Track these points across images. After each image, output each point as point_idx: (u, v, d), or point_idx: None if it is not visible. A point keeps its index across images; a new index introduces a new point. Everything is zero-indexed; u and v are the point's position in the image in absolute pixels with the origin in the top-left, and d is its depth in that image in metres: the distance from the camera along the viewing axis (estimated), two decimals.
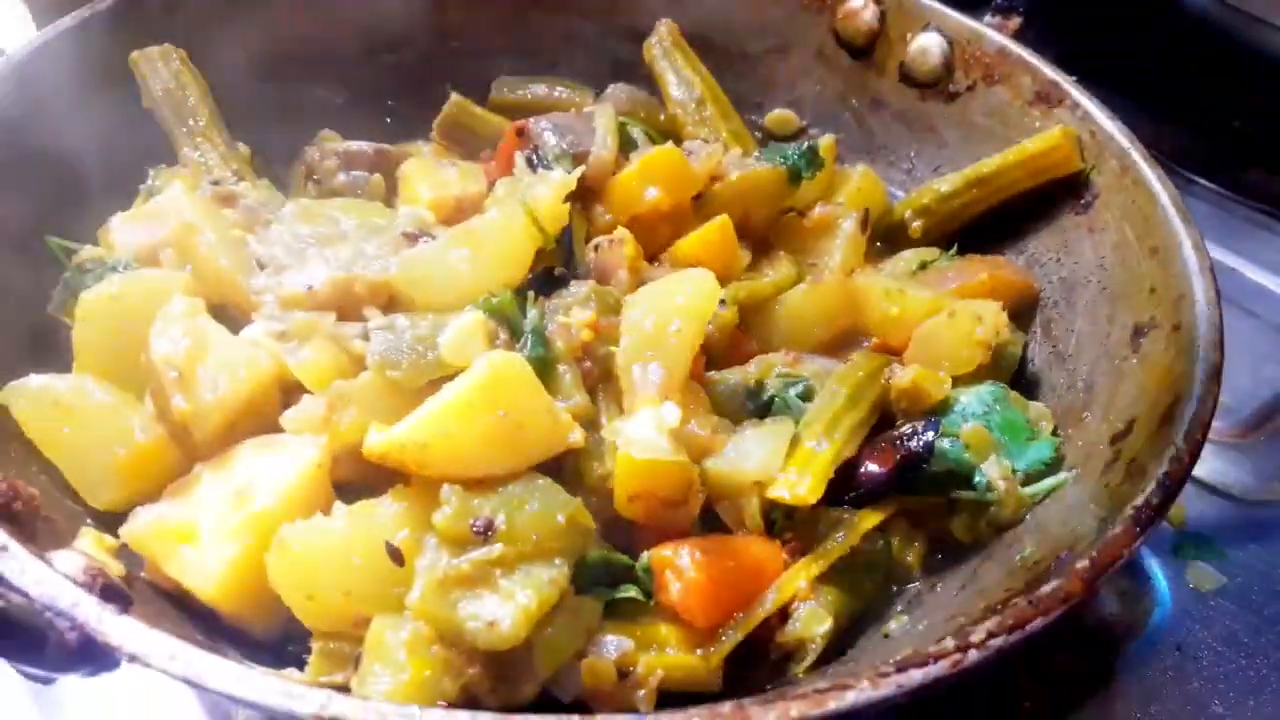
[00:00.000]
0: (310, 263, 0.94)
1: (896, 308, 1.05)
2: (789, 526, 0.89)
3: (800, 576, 0.85)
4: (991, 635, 0.67)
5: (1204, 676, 1.05)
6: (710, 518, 0.90)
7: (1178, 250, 0.96)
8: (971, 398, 0.98)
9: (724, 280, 0.99)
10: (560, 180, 0.98)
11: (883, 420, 0.97)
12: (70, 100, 1.07)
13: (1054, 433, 1.00)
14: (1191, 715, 1.02)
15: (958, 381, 1.00)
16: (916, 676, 0.65)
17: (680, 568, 0.81)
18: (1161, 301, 0.96)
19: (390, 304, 0.94)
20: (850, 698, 0.63)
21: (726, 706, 0.63)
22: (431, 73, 1.32)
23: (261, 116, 1.22)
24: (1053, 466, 0.95)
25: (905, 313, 1.04)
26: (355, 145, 1.17)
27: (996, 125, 1.20)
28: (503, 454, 0.81)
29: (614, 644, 0.80)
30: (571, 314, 0.93)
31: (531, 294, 0.94)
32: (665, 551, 0.83)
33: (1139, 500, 0.76)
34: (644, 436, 0.82)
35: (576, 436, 0.84)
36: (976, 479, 0.91)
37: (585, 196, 1.07)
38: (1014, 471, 0.93)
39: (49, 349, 0.96)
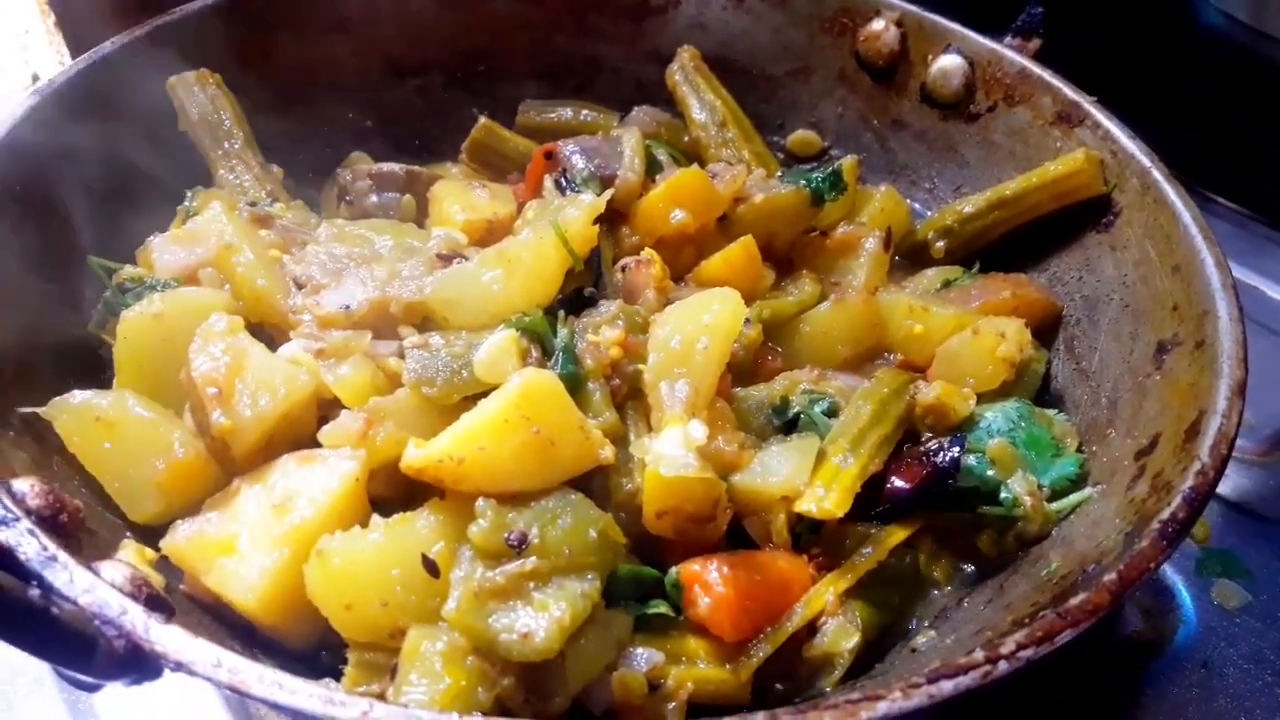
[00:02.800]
0: (347, 283, 0.96)
1: (920, 325, 1.07)
2: (815, 542, 0.91)
3: (827, 591, 0.86)
4: (1021, 647, 0.68)
5: (1230, 694, 1.05)
6: (737, 533, 0.91)
7: (1200, 268, 0.97)
8: (997, 414, 1.00)
9: (748, 299, 1.00)
10: (590, 203, 1.00)
11: (908, 437, 0.98)
12: (109, 125, 1.10)
13: (1079, 449, 1.01)
14: None
15: (982, 398, 1.01)
16: (947, 687, 0.66)
17: (709, 583, 0.82)
18: (1184, 319, 0.97)
19: (425, 323, 0.96)
20: (882, 708, 0.64)
21: (760, 716, 0.64)
22: (459, 96, 1.36)
23: (293, 140, 1.25)
24: (1078, 482, 0.96)
25: (929, 330, 1.06)
26: (387, 167, 1.19)
27: (1018, 145, 1.22)
28: (536, 469, 0.83)
29: (644, 657, 0.81)
30: (600, 333, 0.94)
31: (562, 313, 0.96)
32: (694, 566, 0.84)
33: (1165, 514, 0.77)
34: (671, 453, 0.84)
35: (607, 453, 0.86)
36: (1002, 495, 0.92)
37: (613, 218, 1.09)
38: (1040, 488, 0.94)
39: (90, 366, 0.99)
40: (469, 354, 0.89)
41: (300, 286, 0.98)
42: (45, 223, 1.03)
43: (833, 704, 0.64)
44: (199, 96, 1.18)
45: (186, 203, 1.13)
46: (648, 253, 1.05)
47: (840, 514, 0.85)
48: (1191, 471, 0.79)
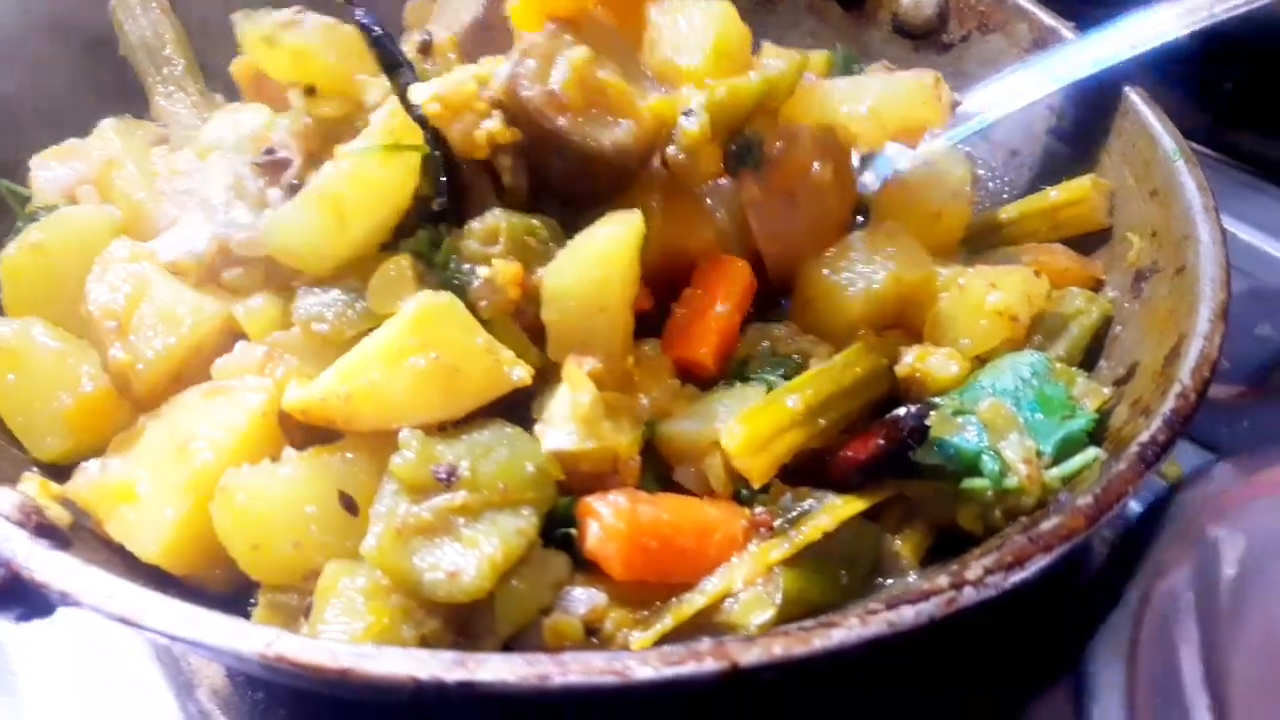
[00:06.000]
0: (187, 221, 0.88)
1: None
2: (761, 501, 0.81)
3: (756, 563, 0.76)
4: (989, 572, 0.63)
5: None
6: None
7: (1180, 192, 0.92)
8: (1006, 371, 0.87)
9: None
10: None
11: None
12: (44, 47, 1.04)
13: (1100, 409, 0.86)
14: None
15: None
16: (908, 615, 0.60)
17: (600, 514, 0.74)
18: (1164, 245, 0.92)
19: None
20: (837, 636, 0.59)
21: (706, 644, 0.58)
22: None
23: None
24: (1083, 444, 0.82)
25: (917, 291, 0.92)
26: None
27: (991, 75, 1.16)
28: (439, 400, 0.76)
29: (584, 599, 0.74)
30: (493, 265, 0.83)
31: (443, 227, 0.86)
32: (593, 498, 0.76)
33: (1144, 437, 0.71)
34: (552, 432, 0.77)
35: (520, 374, 0.78)
36: (988, 464, 0.79)
37: None
38: (1039, 454, 0.80)
39: None
40: (363, 285, 0.81)
41: None
42: None
43: (784, 631, 0.59)
44: (141, 20, 1.11)
45: None
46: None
47: (759, 483, 0.78)
48: (1171, 394, 0.74)
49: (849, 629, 0.59)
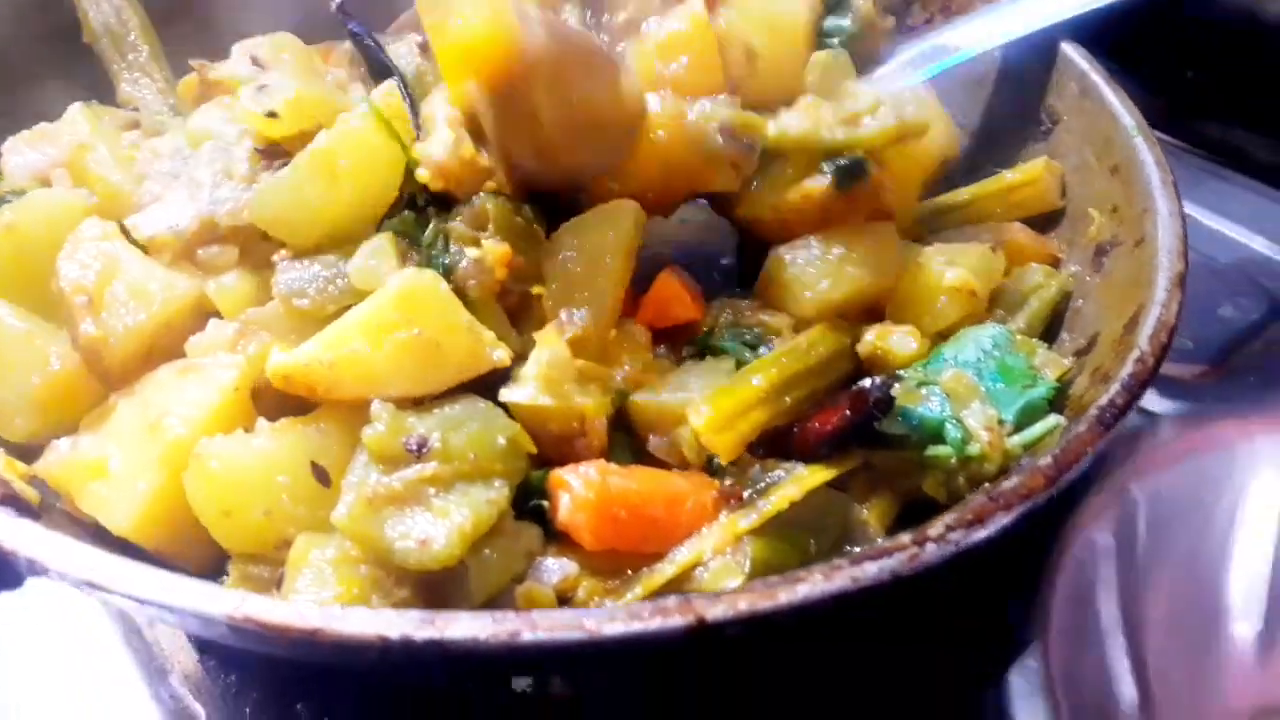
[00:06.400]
0: (171, 198, 0.87)
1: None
2: (731, 473, 0.82)
3: (725, 532, 0.77)
4: (950, 529, 0.64)
5: None
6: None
7: (1140, 167, 0.93)
8: (967, 345, 0.89)
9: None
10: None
11: None
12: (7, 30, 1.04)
13: (1061, 378, 0.88)
14: None
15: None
16: (871, 570, 0.61)
17: (570, 484, 0.75)
18: (1124, 220, 0.94)
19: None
20: (801, 591, 0.60)
21: (672, 600, 0.59)
22: None
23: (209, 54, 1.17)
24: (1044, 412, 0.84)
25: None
26: None
27: (989, 68, 1.17)
28: (419, 374, 0.77)
29: (557, 568, 0.75)
30: (482, 247, 0.85)
31: (431, 209, 0.87)
32: (565, 470, 0.77)
33: (1103, 401, 0.73)
34: (518, 387, 0.79)
35: (500, 355, 0.79)
36: (951, 431, 0.81)
37: None
38: (1001, 422, 0.82)
39: None
40: (344, 262, 0.82)
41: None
42: None
43: (749, 588, 0.60)
44: (104, 5, 1.11)
45: None
46: None
47: (727, 459, 0.79)
48: (1130, 359, 0.76)
49: (813, 584, 0.60)
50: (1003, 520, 0.65)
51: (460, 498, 0.73)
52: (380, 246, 0.83)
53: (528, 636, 0.56)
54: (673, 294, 0.93)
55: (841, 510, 0.82)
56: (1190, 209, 1.46)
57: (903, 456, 0.82)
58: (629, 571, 0.76)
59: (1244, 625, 0.80)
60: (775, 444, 0.84)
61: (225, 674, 0.91)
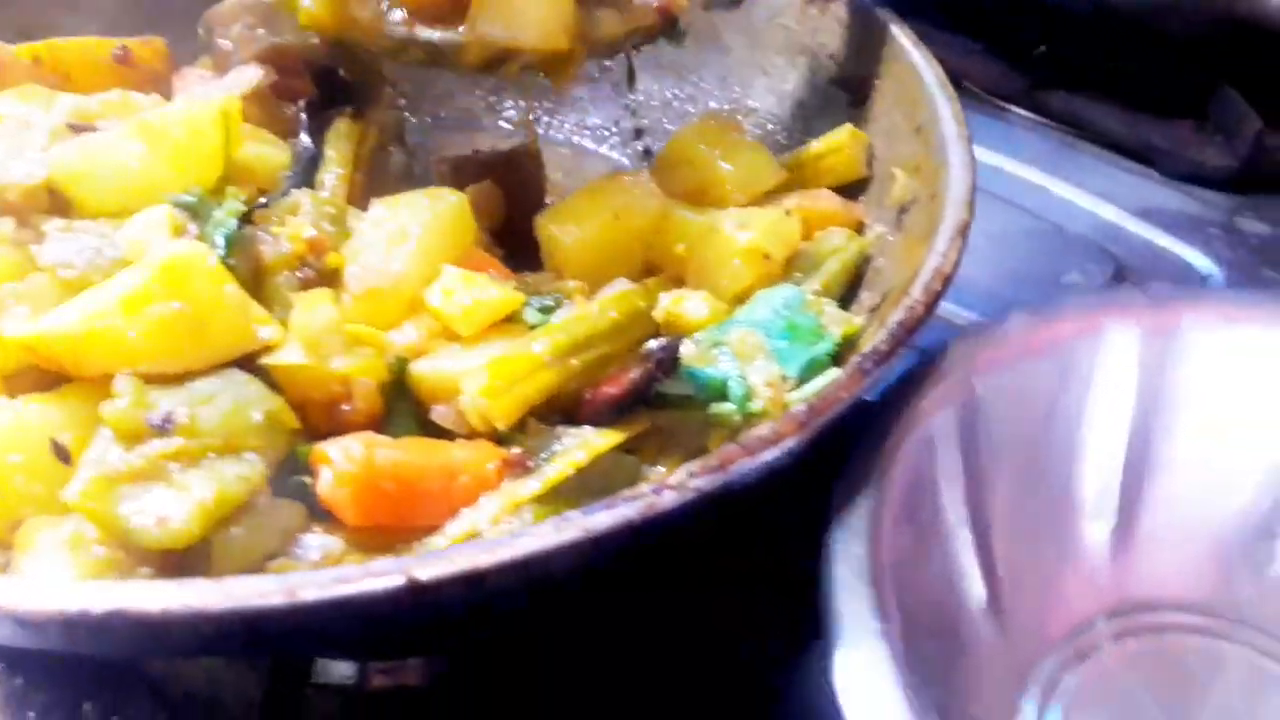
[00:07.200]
0: None
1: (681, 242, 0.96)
2: (519, 441, 0.79)
3: (505, 501, 0.74)
4: (692, 475, 0.62)
5: None
6: None
7: (938, 123, 0.93)
8: (760, 305, 0.90)
9: None
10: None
11: None
12: None
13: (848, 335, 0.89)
14: None
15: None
16: (604, 520, 0.59)
17: (332, 458, 0.71)
18: (924, 177, 0.93)
19: (66, 211, 0.84)
20: (525, 545, 0.57)
21: (383, 561, 0.56)
22: None
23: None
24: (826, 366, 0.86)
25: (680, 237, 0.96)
26: None
27: (778, 29, 1.17)
28: (178, 350, 0.73)
29: (317, 546, 0.72)
30: (286, 224, 0.84)
31: (234, 190, 0.85)
32: (326, 444, 0.74)
33: (867, 348, 0.72)
34: (280, 351, 0.77)
35: (269, 333, 0.77)
36: (734, 388, 0.81)
37: None
38: (784, 378, 0.83)
39: None
40: (117, 234, 0.79)
41: None
42: None
43: (474, 543, 0.57)
44: None
45: None
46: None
47: (503, 425, 0.76)
48: (902, 306, 0.75)
49: (540, 537, 0.57)
50: (747, 465, 0.63)
51: (206, 474, 0.69)
52: (156, 218, 0.80)
53: (217, 607, 0.52)
54: (480, 263, 0.92)
55: (631, 473, 0.79)
56: (1044, 180, 1.51)
57: (690, 416, 0.81)
58: (400, 547, 0.74)
59: (1097, 524, 0.80)
60: (570, 410, 0.82)
61: (11, 676, 0.87)
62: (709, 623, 0.87)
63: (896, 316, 0.74)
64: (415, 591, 0.55)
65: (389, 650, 0.90)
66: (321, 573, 0.55)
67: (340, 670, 0.93)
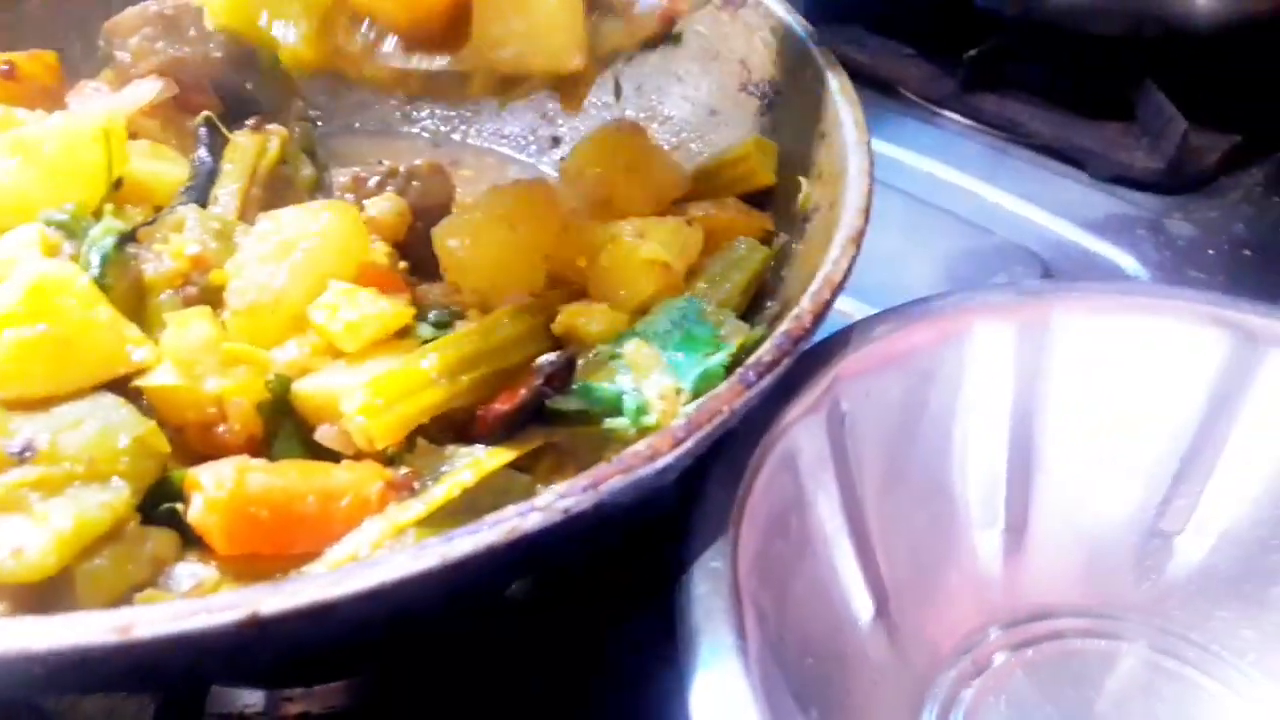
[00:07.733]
0: None
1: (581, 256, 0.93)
2: (408, 461, 0.77)
3: (385, 527, 0.72)
4: (561, 496, 0.60)
5: None
6: None
7: (839, 129, 0.92)
8: (659, 317, 0.87)
9: None
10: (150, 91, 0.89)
11: None
12: None
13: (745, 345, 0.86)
14: None
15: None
16: (464, 546, 0.56)
17: (203, 483, 0.69)
18: (826, 185, 0.92)
19: None
20: (376, 575, 0.54)
21: (226, 595, 0.54)
22: None
23: None
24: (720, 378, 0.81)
25: (580, 249, 0.93)
26: None
27: (692, 35, 1.16)
28: (44, 374, 0.71)
29: (188, 575, 0.70)
30: (169, 241, 0.82)
31: (110, 207, 0.84)
32: (197, 469, 0.71)
33: (751, 360, 0.70)
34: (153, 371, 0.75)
35: (143, 354, 0.75)
36: (628, 402, 0.79)
37: None
38: (678, 391, 0.80)
39: None
40: None
41: None
42: None
43: (320, 575, 0.55)
44: None
45: None
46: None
47: (383, 444, 0.74)
48: (789, 316, 0.73)
49: (393, 567, 0.55)
50: (620, 483, 0.61)
51: (68, 503, 0.67)
52: (27, 236, 0.78)
53: (42, 646, 0.50)
54: (378, 277, 0.89)
55: (522, 493, 0.77)
56: (974, 184, 1.51)
57: (586, 432, 0.79)
58: (277, 575, 0.71)
59: (986, 532, 0.78)
60: (465, 429, 0.80)
61: None
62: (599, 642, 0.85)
63: (782, 328, 0.72)
64: (258, 626, 0.53)
65: (285, 678, 0.88)
66: (158, 607, 0.53)
67: (245, 699, 0.91)
